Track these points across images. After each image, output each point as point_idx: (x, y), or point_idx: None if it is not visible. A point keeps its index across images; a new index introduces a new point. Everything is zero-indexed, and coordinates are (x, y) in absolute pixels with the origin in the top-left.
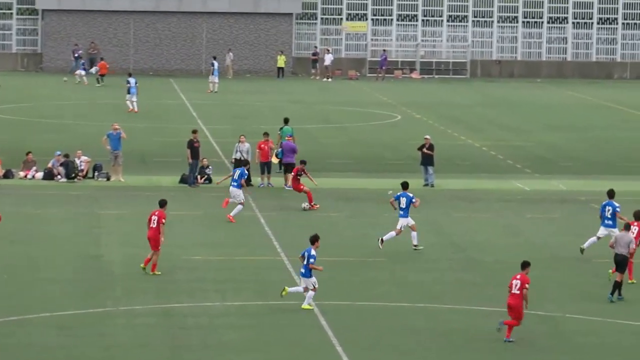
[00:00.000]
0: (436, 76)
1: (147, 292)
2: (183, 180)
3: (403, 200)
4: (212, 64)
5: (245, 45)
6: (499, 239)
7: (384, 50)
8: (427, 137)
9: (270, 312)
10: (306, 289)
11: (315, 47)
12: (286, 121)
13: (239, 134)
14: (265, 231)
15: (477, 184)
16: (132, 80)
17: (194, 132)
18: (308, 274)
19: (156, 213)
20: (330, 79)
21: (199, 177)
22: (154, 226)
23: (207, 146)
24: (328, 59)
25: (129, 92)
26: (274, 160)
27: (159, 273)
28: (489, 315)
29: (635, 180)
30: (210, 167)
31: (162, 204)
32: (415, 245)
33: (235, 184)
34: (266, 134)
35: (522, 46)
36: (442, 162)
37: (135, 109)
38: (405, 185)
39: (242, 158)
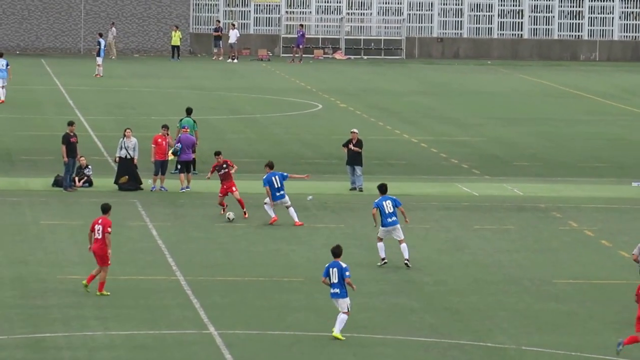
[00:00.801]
0: (365, 57)
1: (13, 319)
2: (57, 182)
3: (389, 204)
4: (98, 43)
5: (132, 19)
6: (440, 256)
7: (301, 26)
8: (355, 131)
9: (163, 344)
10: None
11: (218, 21)
12: (189, 112)
13: (124, 127)
14: (157, 245)
15: (414, 188)
16: (2, 61)
17: (71, 124)
18: (344, 293)
19: (100, 221)
20: (235, 60)
21: (76, 179)
22: (99, 237)
23: (86, 142)
24: (233, 35)
25: None
26: (170, 157)
27: (108, 293)
28: (429, 347)
29: (604, 183)
30: (89, 166)
31: (106, 209)
32: (407, 260)
33: (282, 192)
34: (165, 127)
35: (469, 21)
36: (373, 161)
37: (2, 98)
38: (383, 189)
39: (129, 156)
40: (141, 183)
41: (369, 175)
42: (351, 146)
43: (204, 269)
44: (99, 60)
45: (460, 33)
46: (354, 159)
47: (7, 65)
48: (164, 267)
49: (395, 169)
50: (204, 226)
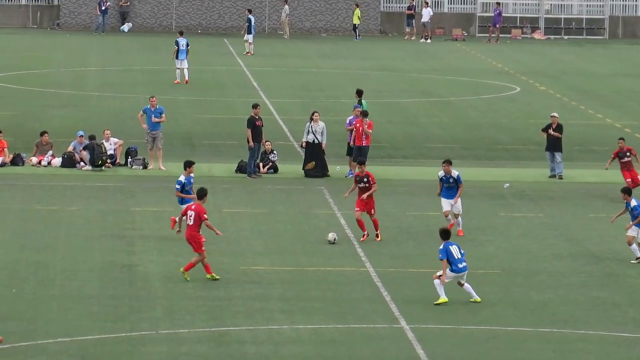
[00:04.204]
0: (565, 37)
1: (195, 312)
2: (241, 168)
3: None
4: (248, 20)
5: None
6: None
7: (498, 4)
8: (555, 115)
9: (352, 339)
10: None
11: None
12: (359, 93)
13: (311, 110)
14: (346, 235)
15: (618, 176)
16: (182, 41)
17: (255, 107)
18: None
19: (193, 207)
20: (429, 40)
21: (261, 165)
22: (191, 223)
23: (271, 125)
24: (426, 14)
25: (177, 57)
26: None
27: (218, 277)
28: (633, 343)
29: None
30: (275, 152)
31: (201, 195)
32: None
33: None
34: (364, 112)
35: None
36: (574, 147)
37: (186, 78)
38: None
39: (316, 141)
40: (327, 170)
41: (570, 162)
42: (551, 131)
43: (395, 259)
44: (249, 38)
45: None
46: (554, 145)
47: (188, 45)
48: (352, 257)
49: (598, 155)
50: (395, 215)
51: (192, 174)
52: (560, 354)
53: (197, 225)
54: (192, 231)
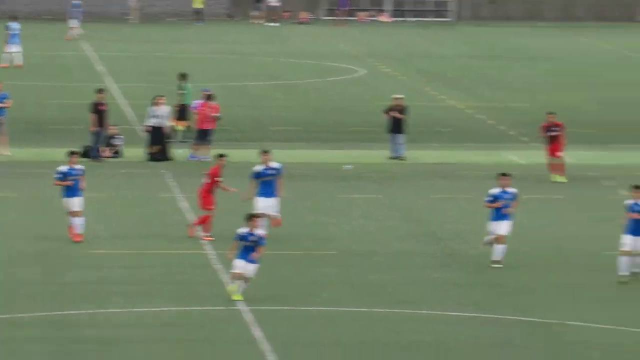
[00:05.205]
0: (411, 19)
1: (33, 296)
2: (86, 153)
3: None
4: (74, 5)
5: None
6: (485, 228)
7: None
8: (398, 96)
9: (191, 322)
10: None
11: None
12: (183, 77)
13: (156, 95)
14: (187, 219)
15: (460, 157)
16: (14, 25)
17: (100, 92)
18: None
19: None
20: (277, 23)
21: (106, 149)
22: None
23: (117, 110)
24: None
25: (7, 42)
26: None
27: None
28: (473, 323)
29: None
30: (120, 136)
31: None
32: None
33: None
34: (209, 96)
35: None
36: (417, 128)
37: (20, 62)
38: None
39: (159, 125)
40: (170, 154)
41: (413, 143)
42: (394, 112)
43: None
44: (73, 22)
45: None
46: (396, 126)
47: (19, 29)
48: (193, 241)
49: (440, 136)
50: (235, 197)
51: (76, 164)
52: (398, 333)
53: None
54: None
